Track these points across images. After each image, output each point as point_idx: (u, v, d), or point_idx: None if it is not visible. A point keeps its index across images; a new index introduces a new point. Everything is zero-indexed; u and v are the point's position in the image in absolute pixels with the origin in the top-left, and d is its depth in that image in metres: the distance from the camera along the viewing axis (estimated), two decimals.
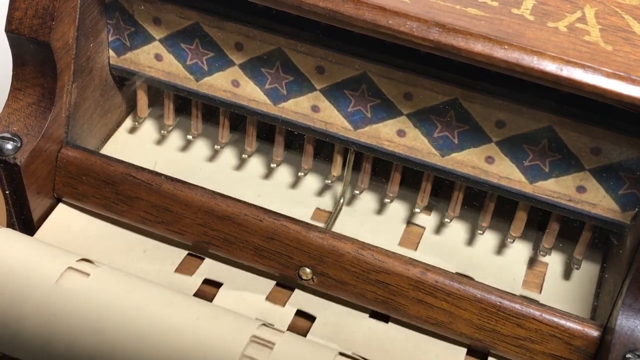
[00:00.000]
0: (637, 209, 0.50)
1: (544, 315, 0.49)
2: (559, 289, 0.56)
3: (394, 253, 0.52)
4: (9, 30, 0.52)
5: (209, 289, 0.54)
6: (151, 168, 0.56)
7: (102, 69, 0.58)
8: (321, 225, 0.57)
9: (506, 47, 0.46)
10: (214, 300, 0.53)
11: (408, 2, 0.48)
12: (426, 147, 0.53)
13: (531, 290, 0.56)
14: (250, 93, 0.56)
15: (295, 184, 0.61)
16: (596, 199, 0.51)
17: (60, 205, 0.57)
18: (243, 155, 0.60)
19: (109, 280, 0.47)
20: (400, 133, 0.53)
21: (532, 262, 0.57)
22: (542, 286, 0.56)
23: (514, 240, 0.56)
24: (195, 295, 0.53)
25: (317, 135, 0.56)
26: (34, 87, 0.54)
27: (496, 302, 0.50)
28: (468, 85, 0.50)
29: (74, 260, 0.48)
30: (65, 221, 0.57)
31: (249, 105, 0.56)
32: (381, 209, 0.60)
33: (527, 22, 0.48)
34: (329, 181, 0.59)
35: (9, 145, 0.52)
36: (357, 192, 0.59)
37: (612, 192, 0.51)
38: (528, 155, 0.51)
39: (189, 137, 0.61)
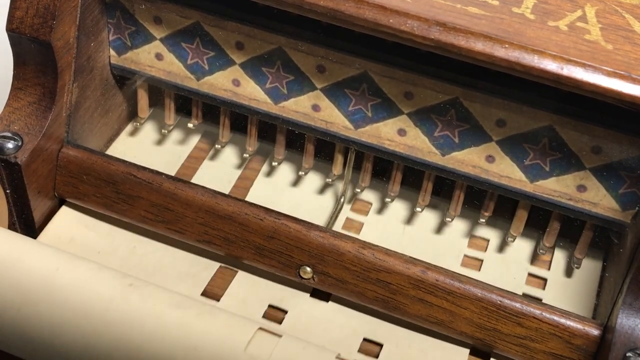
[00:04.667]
0: (637, 208, 0.50)
1: (544, 314, 0.49)
2: (561, 288, 0.56)
3: (394, 252, 0.52)
4: (10, 30, 0.52)
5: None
6: (152, 167, 0.56)
7: (103, 68, 0.58)
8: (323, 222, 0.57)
9: (507, 46, 0.46)
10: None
11: (409, 1, 0.48)
12: (427, 146, 0.53)
13: (533, 288, 0.56)
14: (251, 92, 0.56)
15: (295, 182, 0.61)
16: (596, 198, 0.51)
17: (64, 208, 0.57)
18: (244, 155, 0.60)
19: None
20: (401, 132, 0.53)
21: (533, 261, 0.57)
22: (543, 285, 0.56)
23: (514, 239, 0.56)
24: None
25: (317, 134, 0.56)
26: (34, 87, 0.54)
27: (497, 301, 0.50)
28: (469, 84, 0.50)
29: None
30: (69, 225, 0.57)
31: (249, 105, 0.56)
32: (382, 208, 0.60)
33: (528, 21, 0.48)
34: (330, 180, 0.59)
35: (10, 145, 0.52)
36: (357, 190, 0.59)
37: (612, 191, 0.51)
38: (528, 154, 0.51)
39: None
